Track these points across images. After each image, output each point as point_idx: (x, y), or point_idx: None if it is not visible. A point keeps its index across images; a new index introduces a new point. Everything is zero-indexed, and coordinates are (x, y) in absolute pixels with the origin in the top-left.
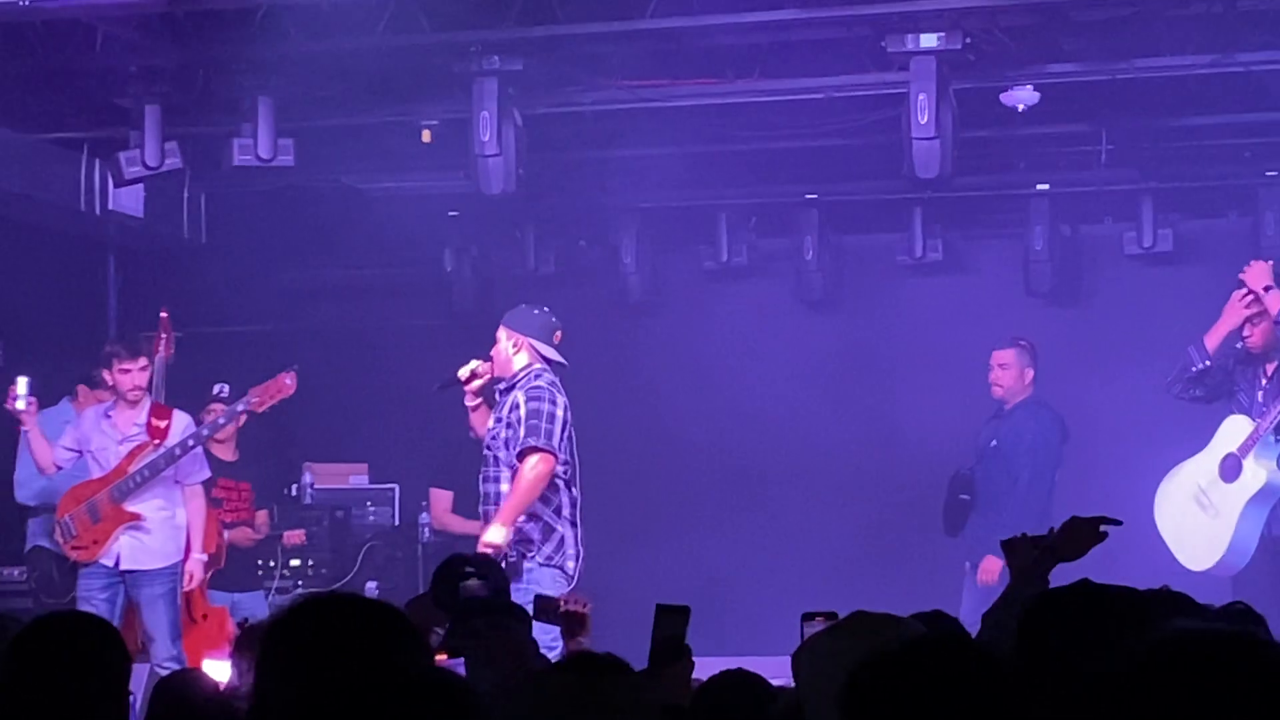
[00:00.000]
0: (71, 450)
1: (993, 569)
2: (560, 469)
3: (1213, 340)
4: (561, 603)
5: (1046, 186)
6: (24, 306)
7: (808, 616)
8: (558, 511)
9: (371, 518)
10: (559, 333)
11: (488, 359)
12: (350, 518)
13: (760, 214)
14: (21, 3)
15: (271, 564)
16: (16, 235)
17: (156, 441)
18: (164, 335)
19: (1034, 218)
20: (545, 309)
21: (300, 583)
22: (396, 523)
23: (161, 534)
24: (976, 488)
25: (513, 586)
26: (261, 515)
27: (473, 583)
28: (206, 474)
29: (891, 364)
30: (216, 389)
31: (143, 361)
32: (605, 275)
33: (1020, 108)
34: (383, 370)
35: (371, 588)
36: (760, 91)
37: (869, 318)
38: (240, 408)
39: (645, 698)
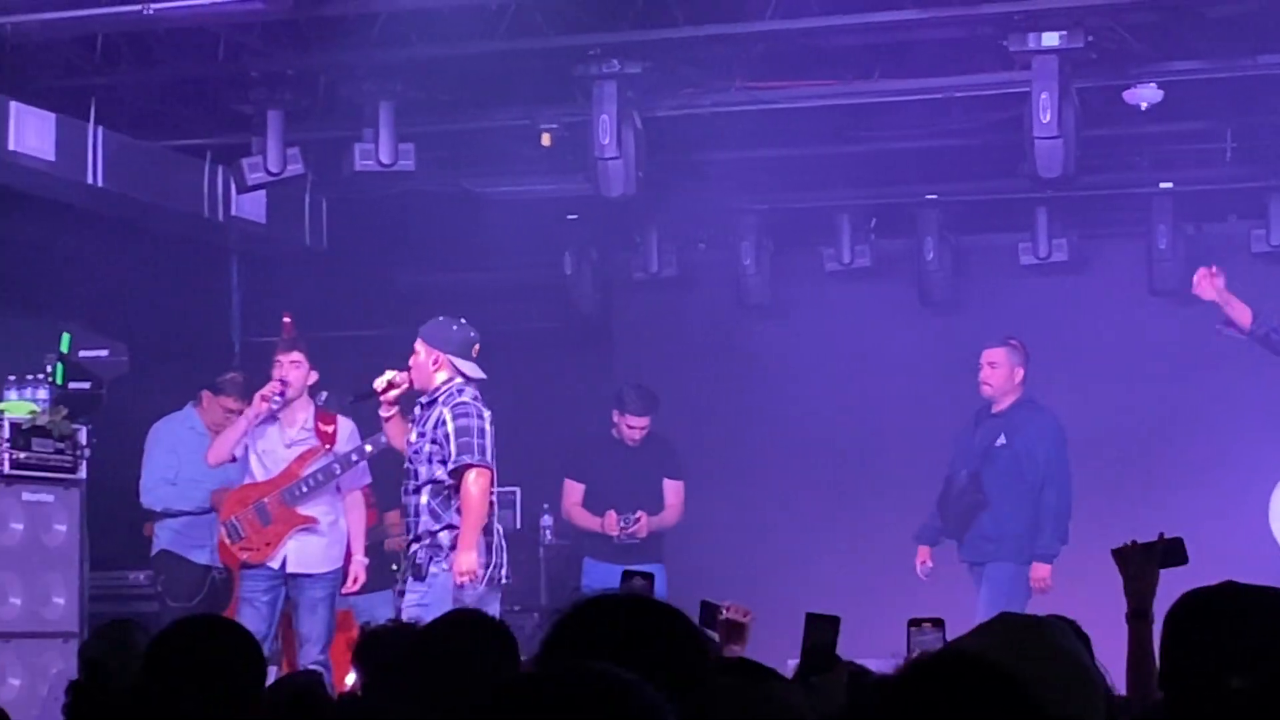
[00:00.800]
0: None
1: (1045, 575)
2: None
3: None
4: (723, 610)
5: (1170, 185)
6: (149, 312)
7: (914, 623)
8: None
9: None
10: (477, 346)
11: (404, 369)
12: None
13: (880, 215)
14: (146, 11)
15: (393, 566)
16: (142, 242)
17: (327, 446)
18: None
19: (1157, 216)
20: (463, 322)
21: None
22: (518, 526)
23: (328, 538)
24: (984, 489)
25: (415, 587)
26: (393, 515)
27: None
28: (367, 479)
29: None
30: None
31: (295, 355)
32: (725, 277)
33: (1143, 106)
34: (502, 374)
35: None
36: (880, 92)
37: (990, 318)
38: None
39: (802, 705)
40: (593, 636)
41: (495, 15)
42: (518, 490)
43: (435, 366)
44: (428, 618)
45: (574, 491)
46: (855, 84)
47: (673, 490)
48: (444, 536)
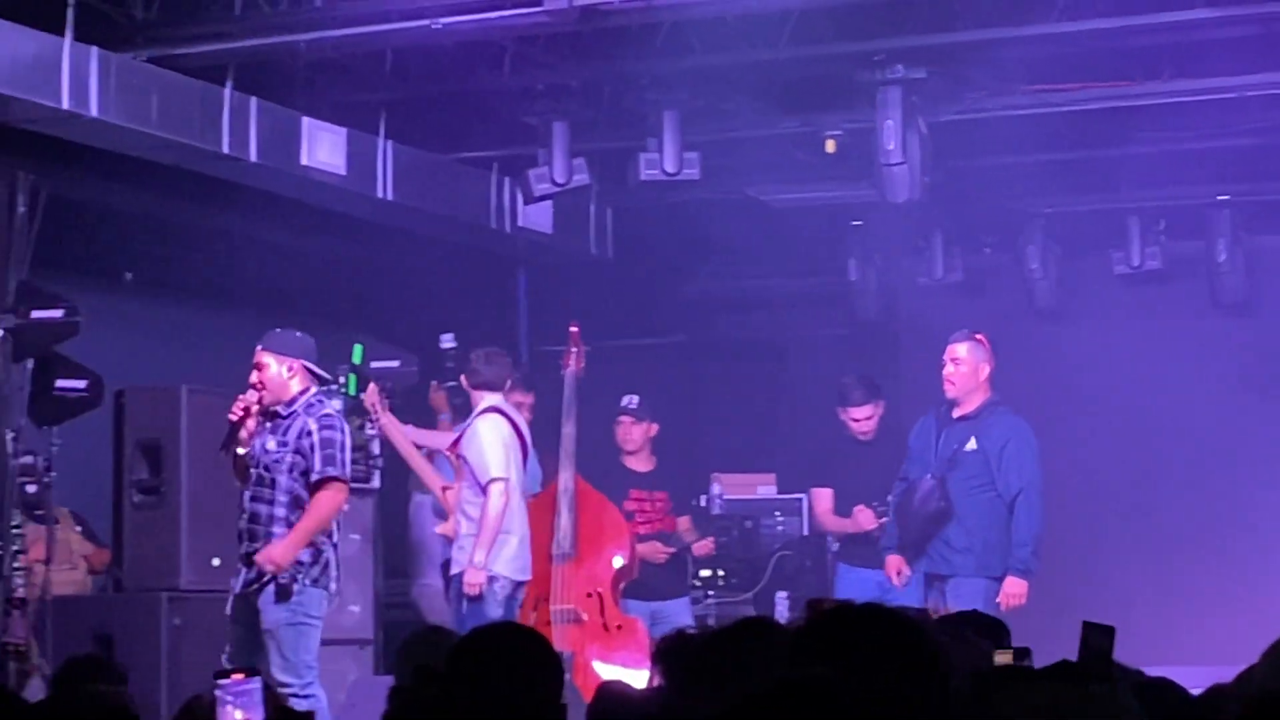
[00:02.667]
0: None
1: (1021, 591)
2: None
3: None
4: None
5: None
6: (438, 323)
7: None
8: (329, 535)
9: (780, 527)
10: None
11: (245, 390)
12: (759, 528)
13: (1170, 216)
14: (434, 25)
15: (702, 573)
16: (430, 253)
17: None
18: (574, 349)
19: None
20: (302, 332)
21: (711, 593)
22: (805, 533)
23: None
24: (951, 496)
25: (281, 609)
26: (684, 521)
27: None
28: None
29: None
30: (625, 400)
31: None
32: (1011, 282)
33: None
34: (787, 381)
35: (782, 598)
36: (1172, 92)
37: None
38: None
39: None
40: (834, 647)
41: (778, 22)
42: (803, 498)
43: (290, 374)
44: (299, 637)
45: (822, 499)
46: (1147, 85)
47: None
48: (304, 552)
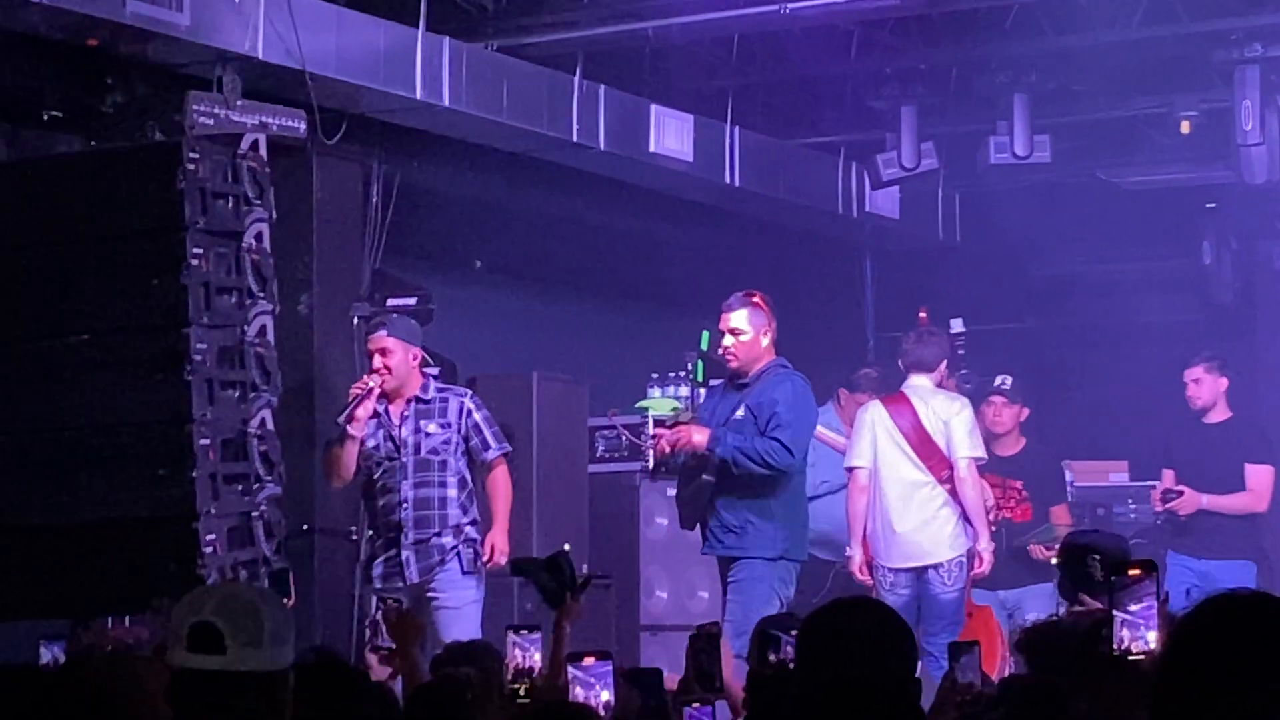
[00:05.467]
0: None
1: None
2: None
3: None
4: None
5: None
6: (784, 309)
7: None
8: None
9: (1133, 514)
10: None
11: (369, 373)
12: (1111, 515)
13: None
14: (783, 10)
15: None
16: (777, 239)
17: None
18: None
19: None
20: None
21: None
22: (1159, 520)
23: None
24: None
25: (472, 588)
26: (1060, 510)
27: None
28: None
29: None
30: (999, 380)
31: None
32: None
33: None
34: (1138, 365)
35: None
36: None
37: None
38: None
39: None
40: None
41: (1131, 2)
42: (1157, 486)
43: (415, 361)
44: (477, 616)
45: (1165, 479)
46: None
47: (1255, 475)
48: (471, 530)
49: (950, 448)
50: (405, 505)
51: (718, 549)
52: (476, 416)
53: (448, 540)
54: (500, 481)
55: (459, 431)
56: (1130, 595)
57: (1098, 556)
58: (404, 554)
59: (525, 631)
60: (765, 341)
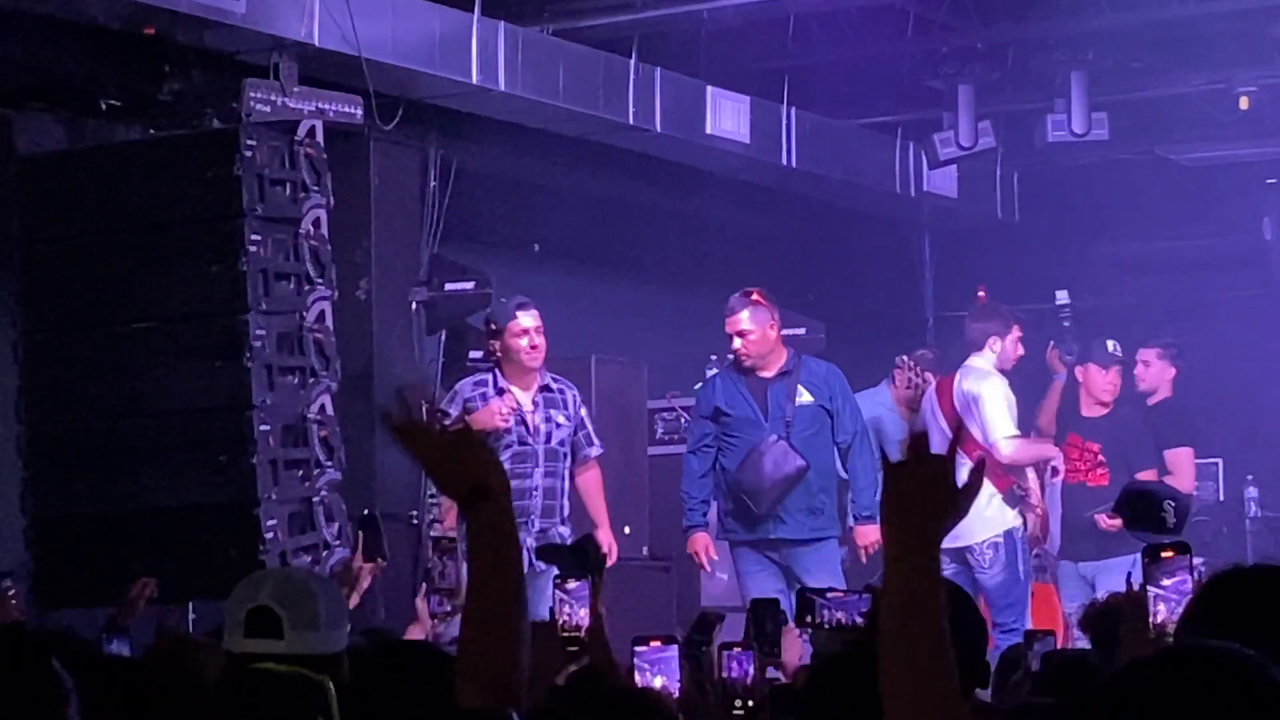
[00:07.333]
0: None
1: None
2: None
3: None
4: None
5: None
6: (843, 290)
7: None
8: None
9: (1196, 492)
10: None
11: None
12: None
13: None
14: None
15: None
16: (834, 220)
17: None
18: None
19: None
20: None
21: None
22: (1221, 498)
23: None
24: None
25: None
26: (1147, 476)
27: None
28: None
29: None
30: (1111, 346)
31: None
32: None
33: None
34: (1202, 344)
35: (1198, 564)
36: None
37: None
38: None
39: None
40: (1233, 611)
41: None
42: (1219, 462)
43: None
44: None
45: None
46: None
47: (1175, 459)
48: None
49: (984, 431)
50: (535, 493)
51: (801, 531)
52: (583, 411)
53: (565, 531)
54: (599, 479)
55: (573, 424)
56: (1164, 570)
57: (1173, 503)
58: (527, 542)
59: (572, 582)
60: (774, 334)
